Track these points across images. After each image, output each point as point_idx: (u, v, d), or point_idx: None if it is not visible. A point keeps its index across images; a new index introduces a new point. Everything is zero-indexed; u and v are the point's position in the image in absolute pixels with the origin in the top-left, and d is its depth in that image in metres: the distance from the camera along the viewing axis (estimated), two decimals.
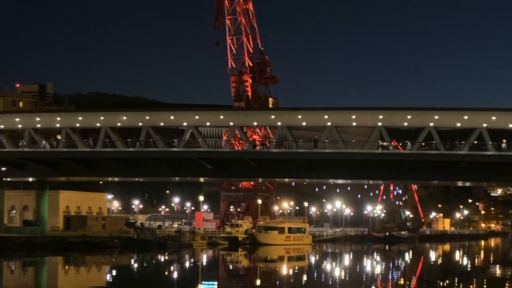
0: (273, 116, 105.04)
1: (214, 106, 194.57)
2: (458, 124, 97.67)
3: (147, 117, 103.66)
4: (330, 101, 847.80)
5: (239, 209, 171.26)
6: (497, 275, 76.34)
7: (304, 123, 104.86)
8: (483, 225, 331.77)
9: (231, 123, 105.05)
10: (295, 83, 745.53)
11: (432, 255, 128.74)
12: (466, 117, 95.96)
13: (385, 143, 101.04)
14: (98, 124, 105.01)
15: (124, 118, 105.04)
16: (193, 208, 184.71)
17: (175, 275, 70.50)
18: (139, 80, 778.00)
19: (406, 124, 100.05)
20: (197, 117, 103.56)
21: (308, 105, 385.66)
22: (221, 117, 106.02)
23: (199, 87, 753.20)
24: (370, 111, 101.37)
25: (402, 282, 64.74)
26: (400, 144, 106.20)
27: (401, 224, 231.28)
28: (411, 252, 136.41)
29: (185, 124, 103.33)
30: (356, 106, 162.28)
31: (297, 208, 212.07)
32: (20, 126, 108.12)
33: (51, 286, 57.54)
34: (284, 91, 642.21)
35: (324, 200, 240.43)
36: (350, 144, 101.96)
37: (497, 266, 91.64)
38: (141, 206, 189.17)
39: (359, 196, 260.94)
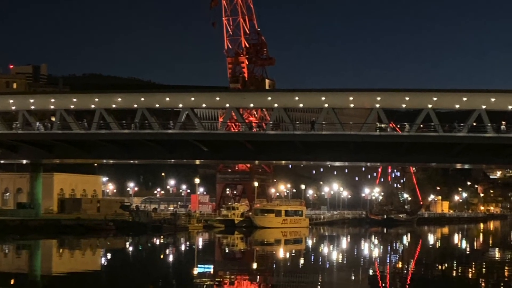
0: (269, 98, 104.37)
1: (210, 87, 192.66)
2: (457, 106, 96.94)
3: (142, 99, 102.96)
4: (328, 82, 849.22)
5: (235, 192, 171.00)
6: (496, 258, 75.93)
7: (301, 105, 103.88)
8: (482, 208, 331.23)
9: (227, 105, 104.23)
10: (292, 64, 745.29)
11: (431, 238, 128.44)
12: (465, 99, 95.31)
13: (383, 125, 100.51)
14: (92, 106, 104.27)
15: (119, 99, 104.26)
16: (188, 190, 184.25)
17: (171, 258, 70.01)
18: (134, 62, 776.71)
19: (404, 105, 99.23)
20: (192, 98, 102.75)
21: (305, 87, 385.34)
22: (217, 98, 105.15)
23: (195, 68, 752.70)
24: (368, 92, 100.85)
25: (400, 266, 64.36)
26: (398, 126, 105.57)
27: (399, 207, 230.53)
28: (409, 235, 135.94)
29: (180, 105, 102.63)
30: (354, 87, 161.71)
31: (294, 190, 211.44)
32: (13, 107, 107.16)
33: (45, 269, 56.76)
34: (281, 72, 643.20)
35: (321, 182, 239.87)
36: (347, 126, 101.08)
37: (496, 249, 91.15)
38: (136, 188, 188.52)
39: (356, 178, 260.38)
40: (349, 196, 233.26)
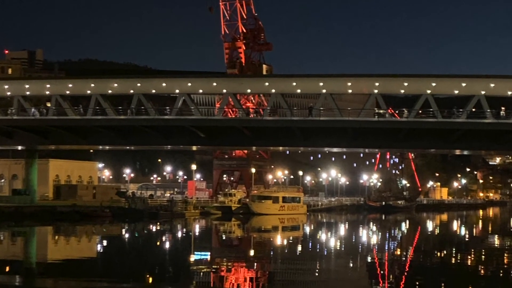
0: (267, 83, 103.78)
1: (207, 73, 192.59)
2: (456, 92, 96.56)
3: (139, 84, 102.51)
4: (325, 68, 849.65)
5: (232, 178, 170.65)
6: (496, 245, 75.37)
7: (298, 91, 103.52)
8: (481, 194, 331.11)
9: (224, 90, 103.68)
10: (289, 49, 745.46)
11: (429, 225, 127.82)
12: (464, 84, 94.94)
13: (381, 111, 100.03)
14: (88, 91, 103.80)
15: (115, 85, 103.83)
16: (185, 177, 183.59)
17: (167, 245, 69.38)
18: (131, 47, 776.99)
19: (402, 91, 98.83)
20: (189, 84, 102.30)
21: (303, 72, 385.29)
22: (214, 84, 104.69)
23: (191, 53, 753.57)
24: (366, 78, 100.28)
25: (398, 253, 63.77)
26: (397, 111, 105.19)
27: (398, 194, 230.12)
28: (407, 222, 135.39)
29: (177, 91, 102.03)
30: (352, 73, 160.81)
31: (292, 177, 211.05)
32: (9, 93, 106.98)
33: (40, 256, 56.23)
34: (278, 57, 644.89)
35: (319, 169, 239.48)
36: (345, 112, 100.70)
37: (496, 236, 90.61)
38: (132, 175, 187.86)
39: (354, 165, 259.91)
40: (347, 183, 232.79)
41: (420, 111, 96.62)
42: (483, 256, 60.90)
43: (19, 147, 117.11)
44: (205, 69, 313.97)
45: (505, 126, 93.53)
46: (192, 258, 55.67)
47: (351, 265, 51.99)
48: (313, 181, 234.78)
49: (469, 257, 59.53)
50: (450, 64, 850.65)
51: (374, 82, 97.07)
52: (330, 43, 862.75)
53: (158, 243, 71.67)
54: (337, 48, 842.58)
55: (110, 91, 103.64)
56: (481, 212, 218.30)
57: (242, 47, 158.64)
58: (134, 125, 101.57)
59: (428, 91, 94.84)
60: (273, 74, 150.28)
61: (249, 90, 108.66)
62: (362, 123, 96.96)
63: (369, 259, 56.10)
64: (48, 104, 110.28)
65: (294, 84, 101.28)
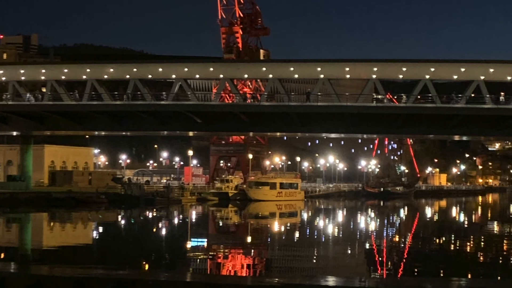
0: (264, 68, 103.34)
1: (204, 58, 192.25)
2: (455, 77, 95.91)
3: (135, 69, 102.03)
4: (323, 52, 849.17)
5: (229, 164, 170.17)
6: (495, 231, 75.04)
7: (296, 76, 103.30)
8: (480, 180, 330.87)
9: (221, 76, 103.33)
10: (287, 34, 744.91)
11: (428, 212, 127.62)
12: (463, 69, 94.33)
13: (379, 96, 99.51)
14: (84, 77, 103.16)
15: (111, 70, 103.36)
16: (182, 163, 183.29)
17: (164, 232, 68.95)
18: (127, 32, 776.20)
19: (401, 76, 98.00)
20: (186, 69, 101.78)
21: (300, 57, 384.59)
22: (211, 69, 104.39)
23: (188, 38, 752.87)
24: (364, 63, 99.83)
25: (397, 239, 63.45)
26: (395, 97, 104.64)
27: (396, 180, 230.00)
28: (406, 208, 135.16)
29: (173, 76, 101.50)
30: (350, 58, 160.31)
31: (289, 163, 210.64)
32: (3, 78, 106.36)
33: (36, 243, 55.72)
34: (275, 42, 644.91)
35: (316, 154, 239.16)
36: (343, 97, 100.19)
37: (495, 222, 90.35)
38: (128, 161, 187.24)
39: (352, 150, 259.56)
40: (345, 169, 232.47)
41: (419, 97, 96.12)
42: (482, 243, 60.53)
43: (14, 133, 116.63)
44: (202, 54, 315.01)
45: (504, 111, 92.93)
46: (189, 244, 55.21)
47: (349, 251, 51.55)
48: (310, 167, 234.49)
49: (468, 243, 59.24)
50: (449, 49, 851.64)
51: (372, 67, 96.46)
52: (328, 28, 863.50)
53: (154, 230, 71.45)
54: (335, 32, 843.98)
55: (106, 76, 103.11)
56: (480, 198, 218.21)
57: (239, 32, 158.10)
58: (130, 111, 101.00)
59: (427, 76, 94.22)
60: (270, 59, 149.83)
61: (246, 75, 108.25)
62: (360, 108, 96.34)
63: (367, 245, 55.78)
64: (44, 90, 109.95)
65: (292, 69, 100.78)
